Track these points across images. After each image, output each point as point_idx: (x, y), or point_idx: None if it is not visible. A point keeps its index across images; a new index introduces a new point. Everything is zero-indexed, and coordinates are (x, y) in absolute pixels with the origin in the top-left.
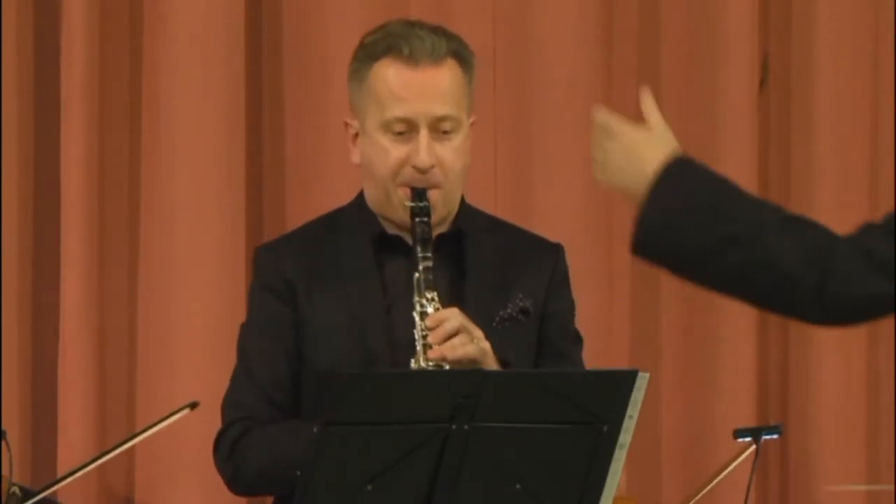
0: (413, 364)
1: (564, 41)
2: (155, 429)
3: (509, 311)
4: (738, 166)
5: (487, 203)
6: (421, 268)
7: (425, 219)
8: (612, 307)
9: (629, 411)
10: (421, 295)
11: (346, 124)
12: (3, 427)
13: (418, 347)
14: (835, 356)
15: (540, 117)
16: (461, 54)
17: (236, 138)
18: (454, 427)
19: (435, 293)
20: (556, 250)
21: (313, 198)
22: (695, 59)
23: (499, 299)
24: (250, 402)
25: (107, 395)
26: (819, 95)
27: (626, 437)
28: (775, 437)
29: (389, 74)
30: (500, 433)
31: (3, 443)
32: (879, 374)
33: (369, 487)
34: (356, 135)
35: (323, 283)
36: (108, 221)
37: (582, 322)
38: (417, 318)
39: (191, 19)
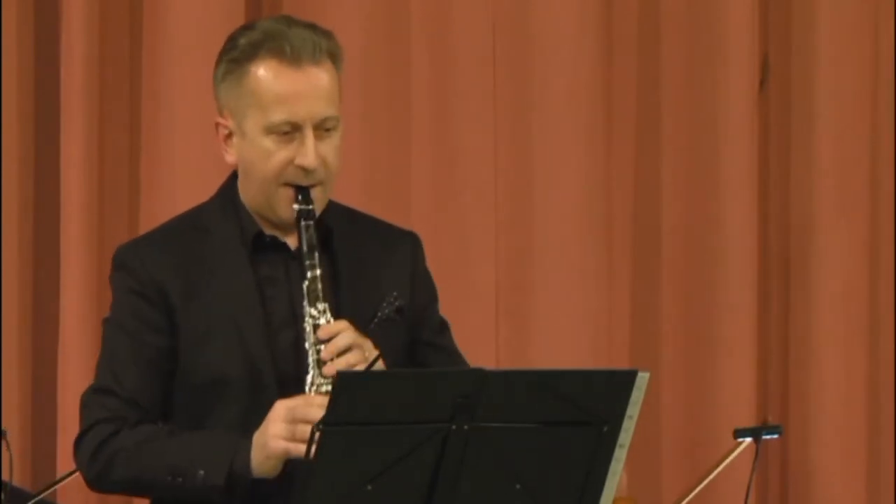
0: (308, 379)
1: (564, 42)
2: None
3: (386, 311)
4: (738, 166)
5: (487, 205)
6: (309, 276)
7: (311, 222)
8: (612, 307)
9: (629, 411)
10: (312, 305)
11: (218, 124)
12: (4, 427)
13: (310, 361)
14: (835, 356)
15: (540, 118)
16: (335, 53)
17: None
18: (454, 427)
19: (326, 305)
20: (412, 239)
21: None
22: (695, 60)
23: (370, 299)
24: (116, 404)
25: None
26: (819, 95)
27: (626, 437)
28: (775, 437)
29: (270, 76)
30: (501, 433)
31: (4, 443)
32: (879, 374)
33: (369, 487)
34: (229, 135)
35: (197, 285)
36: (108, 221)
37: (582, 323)
38: (309, 330)
39: (190, 19)
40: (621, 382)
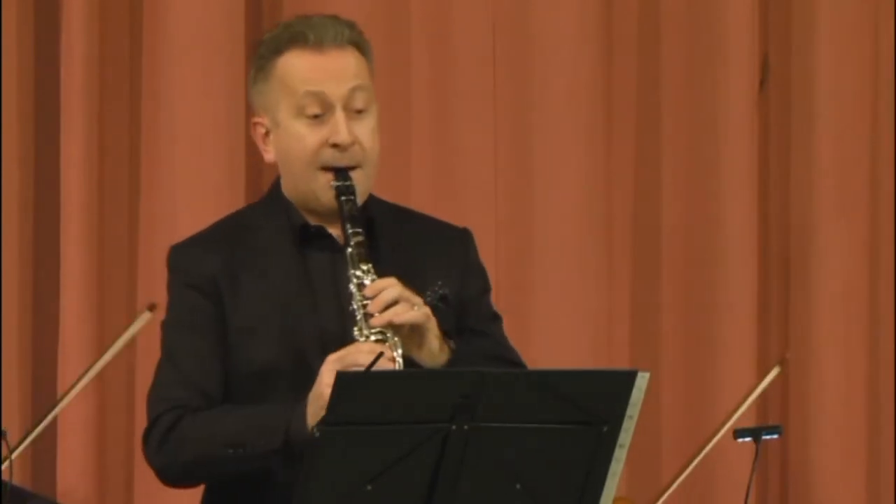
0: (356, 333)
1: (564, 42)
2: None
3: (429, 299)
4: (738, 166)
5: (487, 205)
6: (353, 242)
7: (351, 197)
8: (612, 307)
9: (629, 411)
10: (356, 267)
11: (255, 124)
12: (3, 427)
13: (358, 317)
14: (835, 356)
15: (540, 118)
16: (359, 42)
17: (236, 139)
18: (454, 427)
19: (370, 264)
20: (464, 235)
21: None
22: (695, 60)
23: (416, 288)
24: (179, 394)
25: (106, 395)
26: (819, 95)
27: (626, 437)
28: (775, 437)
29: (297, 62)
30: (500, 433)
31: (4, 443)
32: (879, 374)
33: (369, 487)
34: (267, 133)
35: (247, 278)
36: (108, 221)
37: (582, 323)
38: (355, 290)
39: (191, 19)
40: (621, 382)
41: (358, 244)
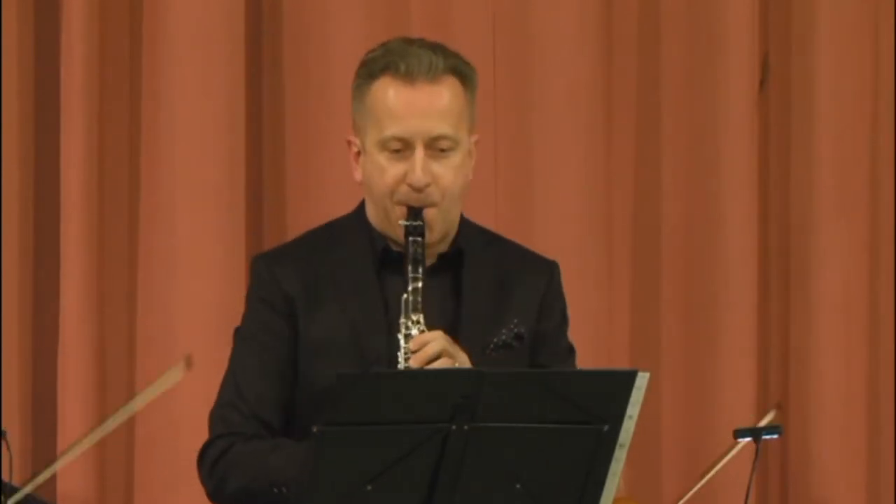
0: None
1: (564, 43)
2: (145, 396)
3: (504, 337)
4: (738, 166)
5: (487, 205)
6: (410, 288)
7: (419, 238)
8: (612, 309)
9: (629, 411)
10: (407, 316)
11: (349, 142)
12: (3, 427)
13: (401, 368)
14: (835, 356)
15: (540, 120)
16: (461, 71)
17: (236, 139)
18: (454, 427)
19: (421, 315)
20: (550, 268)
21: (313, 198)
22: (695, 59)
23: (494, 323)
24: (237, 419)
25: (106, 395)
26: (819, 95)
27: (626, 437)
28: (775, 437)
29: (387, 93)
30: (500, 433)
31: (4, 443)
32: (879, 374)
33: (369, 487)
34: (358, 153)
35: (323, 298)
36: (108, 221)
37: (582, 323)
38: (402, 340)
39: (191, 19)
40: (621, 382)
41: (415, 290)
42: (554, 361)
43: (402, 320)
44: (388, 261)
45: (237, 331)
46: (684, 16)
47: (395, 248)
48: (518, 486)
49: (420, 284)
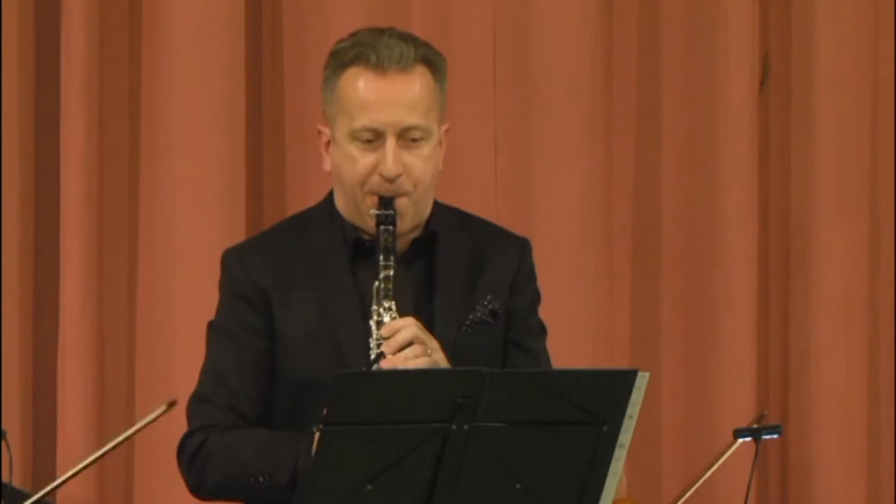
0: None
1: (564, 41)
2: (131, 431)
3: (479, 314)
4: (738, 166)
5: (488, 203)
6: (382, 276)
7: (390, 227)
8: (612, 307)
9: (629, 411)
10: (379, 304)
11: (319, 131)
12: (3, 427)
13: (372, 356)
14: (835, 356)
15: (540, 117)
16: (431, 60)
17: (236, 137)
18: (454, 427)
19: (393, 302)
20: (521, 245)
21: (313, 196)
22: (695, 59)
23: (467, 302)
24: (212, 411)
25: (106, 395)
26: (819, 95)
27: (626, 437)
28: (775, 437)
29: (357, 83)
30: (500, 433)
31: (4, 443)
32: (879, 374)
33: (369, 487)
34: (328, 142)
35: (297, 291)
36: (108, 221)
37: (582, 322)
38: (374, 327)
39: (191, 19)
40: (621, 382)
41: (386, 278)
42: (526, 339)
43: (374, 307)
44: (361, 251)
45: (211, 325)
46: (684, 15)
47: (366, 237)
48: (518, 486)
49: (391, 272)
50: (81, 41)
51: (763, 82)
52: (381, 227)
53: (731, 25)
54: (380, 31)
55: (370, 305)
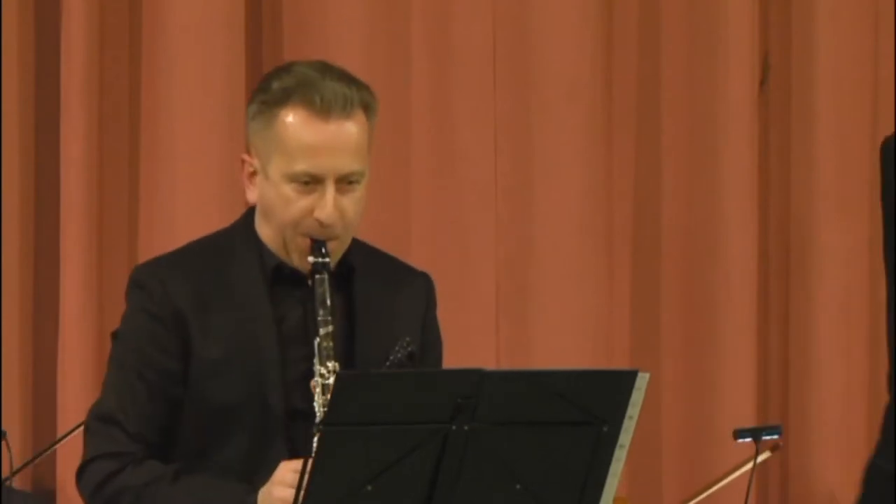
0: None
1: (564, 41)
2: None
3: (398, 356)
4: (738, 166)
5: (488, 203)
6: (322, 332)
7: (325, 276)
8: (612, 307)
9: (629, 411)
10: (322, 364)
11: (244, 161)
12: (3, 427)
13: (316, 420)
14: (835, 356)
15: (539, 117)
16: (369, 104)
17: (236, 138)
18: (454, 427)
19: (336, 363)
20: (426, 281)
21: None
22: (695, 59)
23: (386, 341)
24: (122, 437)
25: None
26: (819, 95)
27: (626, 437)
28: (775, 437)
29: (298, 125)
30: (500, 433)
31: (4, 443)
32: (879, 374)
33: (369, 487)
34: (253, 173)
35: (214, 314)
36: (108, 221)
37: (582, 322)
38: (319, 391)
39: (191, 20)
40: (621, 382)
41: (326, 335)
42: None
43: (317, 367)
44: (280, 278)
45: (118, 338)
46: (684, 15)
47: (287, 266)
48: (518, 486)
49: (331, 329)
50: (81, 41)
51: (763, 82)
52: (317, 276)
53: (731, 25)
54: (320, 70)
55: (290, 331)
